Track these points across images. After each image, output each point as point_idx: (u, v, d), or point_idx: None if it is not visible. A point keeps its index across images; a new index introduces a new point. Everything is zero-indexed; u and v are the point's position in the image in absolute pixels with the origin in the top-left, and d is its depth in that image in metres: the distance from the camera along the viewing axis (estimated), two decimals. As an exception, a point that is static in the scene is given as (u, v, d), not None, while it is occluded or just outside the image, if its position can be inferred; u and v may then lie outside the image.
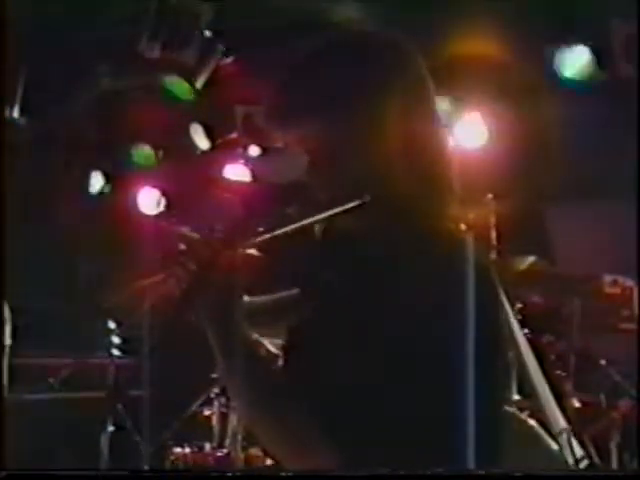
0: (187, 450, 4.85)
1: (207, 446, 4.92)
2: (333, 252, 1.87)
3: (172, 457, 4.87)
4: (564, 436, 3.81)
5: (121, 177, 6.50)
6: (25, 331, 3.99)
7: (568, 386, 4.53)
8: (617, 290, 4.74)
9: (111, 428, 5.04)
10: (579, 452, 3.86)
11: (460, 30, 5.21)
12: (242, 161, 6.46)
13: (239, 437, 4.65)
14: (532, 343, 4.21)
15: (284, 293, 1.99)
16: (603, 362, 4.83)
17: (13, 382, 4.04)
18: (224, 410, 4.97)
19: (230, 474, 1.94)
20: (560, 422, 3.89)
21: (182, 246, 1.83)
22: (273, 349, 1.97)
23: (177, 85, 5.62)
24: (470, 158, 5.13)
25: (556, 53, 5.35)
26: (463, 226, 1.88)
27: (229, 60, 5.63)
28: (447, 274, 1.76)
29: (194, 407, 5.24)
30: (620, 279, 4.74)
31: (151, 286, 1.87)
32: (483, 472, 1.75)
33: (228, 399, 4.81)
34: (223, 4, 5.31)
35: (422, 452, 1.72)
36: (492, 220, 4.59)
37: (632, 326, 4.72)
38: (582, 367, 4.71)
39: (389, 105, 1.82)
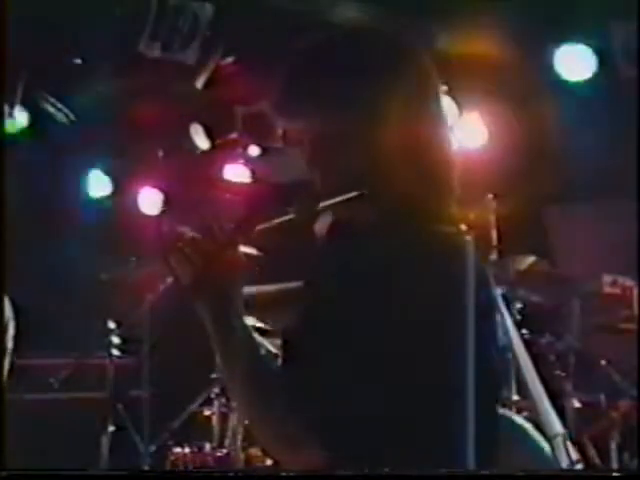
0: (187, 450, 4.85)
1: (207, 446, 4.91)
2: (333, 250, 1.86)
3: (172, 457, 4.87)
4: (558, 440, 3.80)
5: (121, 177, 6.50)
6: (25, 331, 3.99)
7: (568, 386, 4.53)
8: (617, 290, 4.74)
9: (111, 428, 5.04)
10: (574, 456, 3.85)
11: (460, 30, 5.21)
12: (242, 161, 6.45)
13: (239, 437, 4.66)
14: (528, 344, 4.21)
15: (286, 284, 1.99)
16: (603, 362, 4.83)
17: (13, 382, 4.04)
18: (224, 410, 4.97)
19: (230, 474, 1.94)
20: (555, 425, 3.88)
21: (182, 246, 1.83)
22: (273, 349, 1.97)
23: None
24: (470, 158, 5.13)
25: (556, 53, 5.35)
26: (463, 226, 1.87)
27: (229, 60, 5.63)
28: (446, 274, 1.76)
29: (194, 407, 5.23)
30: (620, 279, 4.74)
31: (151, 285, 1.88)
32: (483, 472, 1.75)
33: (228, 399, 4.81)
34: (223, 4, 5.31)
35: (422, 452, 1.73)
36: (492, 220, 4.60)
37: (632, 326, 4.72)
38: (582, 367, 4.71)
39: (392, 102, 1.82)
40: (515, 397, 4.26)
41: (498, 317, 1.90)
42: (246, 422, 2.35)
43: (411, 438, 1.73)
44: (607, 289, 4.72)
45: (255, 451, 4.58)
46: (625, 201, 5.54)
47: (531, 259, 4.67)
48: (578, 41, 5.31)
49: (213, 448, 4.90)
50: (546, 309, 4.84)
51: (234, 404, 4.32)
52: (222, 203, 5.95)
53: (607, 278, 4.74)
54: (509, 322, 4.11)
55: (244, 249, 1.85)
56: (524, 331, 4.51)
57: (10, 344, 3.88)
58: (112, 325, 5.07)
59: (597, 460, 4.51)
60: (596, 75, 5.31)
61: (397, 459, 1.71)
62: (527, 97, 5.47)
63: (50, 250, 6.19)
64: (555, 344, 4.73)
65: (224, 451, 4.81)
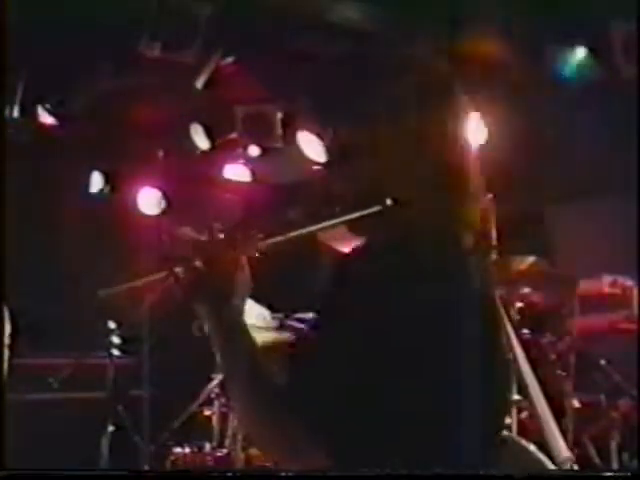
0: (187, 450, 4.85)
1: (207, 446, 4.92)
2: (341, 257, 1.87)
3: (172, 457, 4.87)
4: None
5: (121, 177, 6.50)
6: (25, 331, 3.99)
7: (568, 386, 4.53)
8: (617, 290, 4.74)
9: (111, 428, 5.04)
10: (570, 453, 3.84)
11: (460, 30, 5.21)
12: (242, 161, 6.46)
13: (239, 437, 4.66)
14: (527, 345, 4.21)
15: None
16: (603, 362, 4.83)
17: (13, 382, 4.03)
18: (224, 410, 4.97)
19: (230, 474, 1.94)
20: (551, 425, 3.87)
21: (182, 246, 1.83)
22: (272, 349, 1.97)
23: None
24: (470, 158, 5.12)
25: (556, 53, 5.35)
26: (463, 226, 1.88)
27: (229, 60, 5.63)
28: (446, 275, 1.76)
29: (194, 407, 5.23)
30: (620, 279, 4.74)
31: (151, 286, 1.88)
32: (483, 472, 1.75)
33: (228, 399, 4.81)
34: (223, 4, 5.31)
35: (422, 453, 1.73)
36: (492, 220, 4.59)
37: (632, 326, 4.72)
38: (582, 367, 4.71)
39: (416, 115, 1.84)
40: (516, 397, 4.26)
41: (500, 317, 1.91)
42: (246, 425, 2.35)
43: (411, 440, 1.73)
44: (607, 289, 4.72)
45: (255, 451, 4.57)
46: (625, 201, 5.54)
47: (531, 259, 4.67)
48: (578, 41, 5.31)
49: (213, 448, 4.90)
50: (546, 309, 4.84)
51: (233, 406, 4.32)
52: (222, 203, 5.96)
53: (607, 278, 4.74)
54: (507, 322, 4.12)
55: (244, 249, 1.85)
56: (524, 331, 4.52)
57: (9, 344, 3.88)
58: (112, 325, 5.07)
59: (597, 460, 4.51)
60: (596, 75, 5.31)
61: (397, 459, 1.71)
62: (527, 97, 5.47)
63: (50, 250, 6.19)
64: (555, 344, 4.73)
65: (224, 451, 4.81)
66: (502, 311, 3.91)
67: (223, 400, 4.96)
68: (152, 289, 1.87)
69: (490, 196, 4.65)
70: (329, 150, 1.87)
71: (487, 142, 5.68)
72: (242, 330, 1.83)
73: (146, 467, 5.08)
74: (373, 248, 1.81)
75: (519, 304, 4.61)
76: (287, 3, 5.26)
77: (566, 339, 4.71)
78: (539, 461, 3.79)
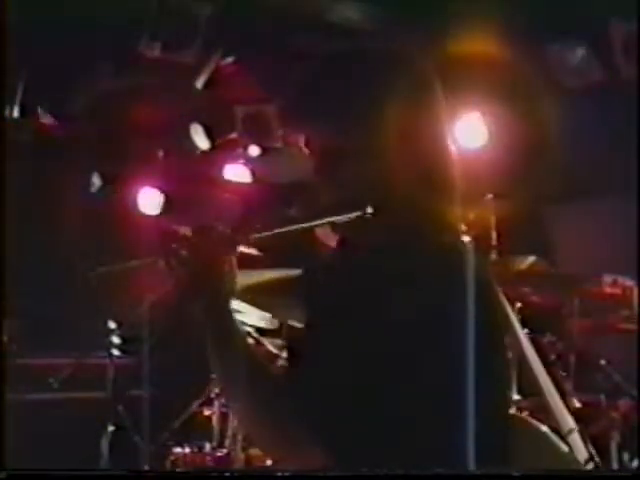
0: (187, 450, 4.85)
1: (207, 446, 4.91)
2: (334, 255, 1.87)
3: (172, 457, 4.87)
4: (574, 435, 3.80)
5: (121, 177, 6.50)
6: (25, 331, 3.99)
7: (568, 386, 4.53)
8: (617, 290, 4.74)
9: (111, 428, 5.03)
10: (590, 450, 3.86)
11: (460, 30, 5.21)
12: (242, 161, 6.45)
13: (239, 437, 4.65)
14: (534, 343, 4.21)
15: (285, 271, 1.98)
16: (603, 362, 4.83)
17: (13, 382, 4.03)
18: (224, 410, 4.96)
19: (230, 474, 1.94)
20: (569, 421, 3.89)
21: (182, 246, 1.83)
22: (273, 349, 1.97)
23: None
24: (470, 158, 5.13)
25: (556, 53, 5.35)
26: (463, 226, 1.88)
27: (229, 60, 5.63)
28: (448, 277, 1.76)
29: (194, 407, 5.23)
30: (620, 279, 4.73)
31: (151, 286, 1.87)
32: (483, 472, 1.75)
33: (226, 399, 4.80)
34: (223, 4, 5.31)
35: (422, 453, 1.72)
36: (492, 220, 4.60)
37: (632, 326, 4.71)
38: (582, 367, 4.71)
39: (399, 116, 1.83)
40: (516, 396, 4.26)
41: (502, 317, 1.91)
42: (245, 425, 2.34)
43: (411, 440, 1.73)
44: (607, 289, 4.72)
45: (255, 451, 4.57)
46: (625, 201, 5.53)
47: (531, 259, 4.67)
48: (578, 41, 5.31)
49: (213, 448, 4.90)
50: (546, 309, 4.83)
51: (232, 406, 4.32)
52: (222, 203, 5.96)
53: (607, 278, 4.73)
54: (514, 320, 4.12)
55: (244, 250, 1.85)
56: (524, 331, 4.51)
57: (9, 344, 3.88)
58: (112, 325, 5.06)
59: (597, 460, 4.50)
60: (596, 75, 5.31)
61: (397, 459, 1.71)
62: (527, 97, 5.47)
63: (50, 250, 6.19)
64: (555, 344, 4.73)
65: (224, 451, 4.80)
66: (508, 309, 3.91)
67: (223, 400, 4.95)
68: (152, 289, 1.87)
69: (490, 196, 4.67)
70: (313, 151, 1.87)
71: (487, 142, 5.68)
72: (241, 330, 1.83)
73: (146, 467, 5.07)
74: (372, 250, 1.81)
75: (519, 304, 4.61)
76: (287, 3, 5.26)
77: (566, 339, 4.70)
78: (550, 442, 3.80)
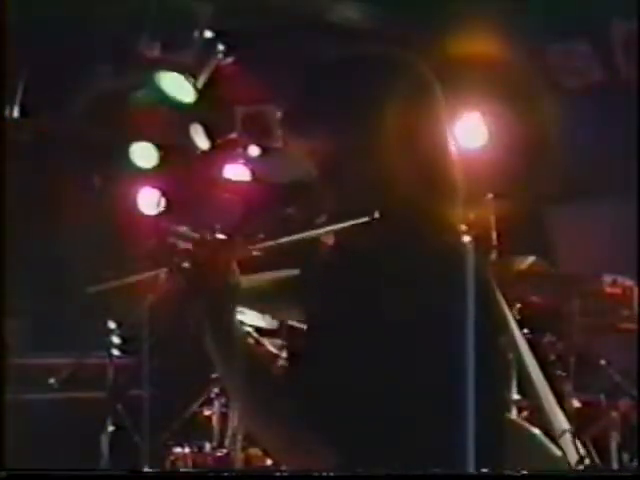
0: (187, 450, 4.85)
1: (207, 446, 4.91)
2: (335, 255, 1.87)
3: (172, 457, 4.86)
4: (566, 437, 3.80)
5: (121, 177, 6.50)
6: (25, 331, 3.99)
7: (568, 386, 4.53)
8: (617, 290, 4.73)
9: (111, 428, 5.03)
10: (581, 452, 3.86)
11: (460, 30, 5.21)
12: (242, 161, 6.45)
13: (239, 437, 4.65)
14: (532, 343, 4.21)
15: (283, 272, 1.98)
16: (603, 362, 4.83)
17: (13, 382, 4.03)
18: (224, 410, 4.96)
19: (230, 474, 1.94)
20: (562, 423, 3.88)
21: (182, 246, 1.83)
22: (272, 349, 1.97)
23: (178, 86, 5.60)
24: (470, 158, 5.12)
25: (556, 53, 5.35)
26: (463, 226, 1.88)
27: (229, 60, 5.63)
28: (448, 277, 1.77)
29: (194, 407, 5.23)
30: (620, 279, 4.73)
31: (150, 286, 1.88)
32: (483, 472, 1.75)
33: (228, 399, 4.80)
34: (223, 4, 5.31)
35: (422, 453, 1.73)
36: (492, 220, 4.59)
37: (632, 326, 4.71)
38: (582, 367, 4.71)
39: (399, 117, 1.84)
40: (516, 396, 4.26)
41: (501, 317, 1.91)
42: (247, 425, 2.34)
43: (411, 439, 1.73)
44: (607, 289, 4.71)
45: (255, 451, 4.57)
46: (625, 201, 5.53)
47: (531, 259, 4.67)
48: (578, 41, 5.31)
49: (213, 448, 4.90)
50: (546, 309, 4.83)
51: (234, 405, 4.32)
52: (222, 203, 5.95)
53: (607, 278, 4.73)
54: (512, 321, 4.12)
55: (243, 249, 1.85)
56: (524, 331, 4.51)
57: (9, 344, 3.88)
58: (112, 325, 5.06)
59: (597, 460, 4.50)
60: (596, 75, 5.31)
61: (397, 460, 1.71)
62: (527, 97, 5.47)
63: (50, 250, 6.19)
64: (555, 344, 4.72)
65: (224, 451, 4.80)
66: (506, 310, 3.91)
67: (223, 400, 4.95)
68: (151, 290, 1.87)
69: (490, 196, 4.67)
70: (313, 152, 1.87)
71: (487, 142, 5.68)
72: (241, 331, 1.83)
73: (146, 467, 5.07)
74: (372, 250, 1.81)
75: (519, 304, 4.61)
76: (287, 3, 5.26)
77: (566, 339, 4.70)
78: (543, 445, 3.80)
